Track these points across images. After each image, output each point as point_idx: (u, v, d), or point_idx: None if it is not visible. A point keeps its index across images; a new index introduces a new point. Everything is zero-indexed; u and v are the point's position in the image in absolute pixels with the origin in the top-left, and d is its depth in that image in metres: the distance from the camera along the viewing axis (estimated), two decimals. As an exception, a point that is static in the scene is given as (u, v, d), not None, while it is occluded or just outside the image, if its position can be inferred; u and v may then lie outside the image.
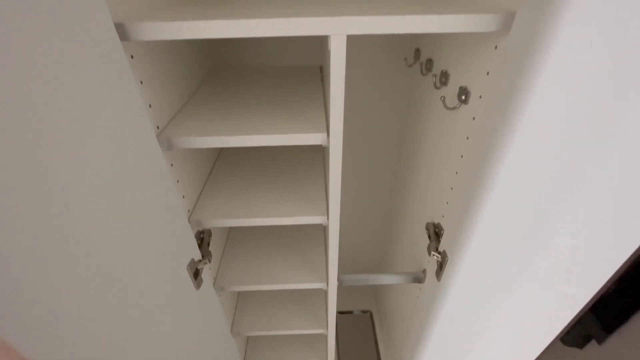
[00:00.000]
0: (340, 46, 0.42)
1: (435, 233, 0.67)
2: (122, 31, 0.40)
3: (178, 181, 0.59)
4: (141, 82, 0.47)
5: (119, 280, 0.38)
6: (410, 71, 0.89)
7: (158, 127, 0.53)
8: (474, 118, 0.51)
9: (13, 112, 0.25)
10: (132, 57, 0.45)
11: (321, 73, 0.84)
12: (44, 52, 0.28)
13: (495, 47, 0.45)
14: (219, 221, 0.65)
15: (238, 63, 0.90)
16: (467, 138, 0.53)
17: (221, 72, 0.84)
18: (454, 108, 0.57)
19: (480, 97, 0.49)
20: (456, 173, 0.58)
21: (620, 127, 0.33)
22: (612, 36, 0.31)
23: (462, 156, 0.56)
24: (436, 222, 0.68)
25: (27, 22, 0.26)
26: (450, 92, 0.60)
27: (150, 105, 0.50)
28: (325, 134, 0.52)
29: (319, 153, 0.88)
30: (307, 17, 0.40)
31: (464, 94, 0.53)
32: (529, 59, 0.37)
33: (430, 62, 0.70)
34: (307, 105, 0.63)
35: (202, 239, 0.70)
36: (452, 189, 0.60)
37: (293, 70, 0.85)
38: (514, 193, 0.45)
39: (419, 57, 0.79)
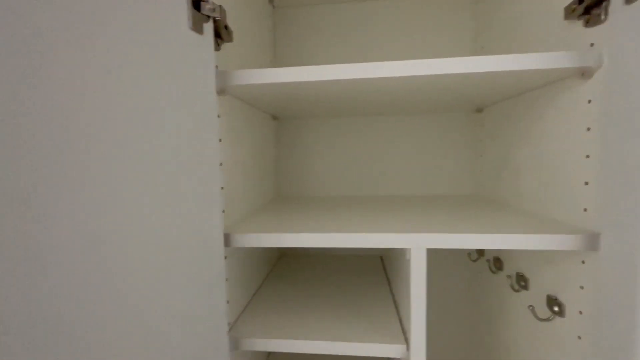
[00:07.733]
0: (420, 258, 0.44)
1: None
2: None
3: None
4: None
5: None
6: (475, 266, 0.87)
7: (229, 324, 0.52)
8: (579, 337, 0.44)
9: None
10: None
11: (382, 262, 0.85)
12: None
13: (583, 262, 0.44)
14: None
15: (304, 252, 0.95)
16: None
17: (288, 259, 0.89)
18: (547, 319, 0.50)
19: (581, 313, 0.44)
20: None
21: None
22: None
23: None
24: None
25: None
26: (535, 298, 0.55)
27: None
28: (404, 346, 0.47)
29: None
30: (390, 234, 0.44)
31: (555, 304, 0.48)
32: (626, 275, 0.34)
33: (498, 261, 0.69)
34: (375, 304, 0.61)
35: None
36: None
37: (355, 259, 0.88)
38: None
39: (482, 254, 0.79)
